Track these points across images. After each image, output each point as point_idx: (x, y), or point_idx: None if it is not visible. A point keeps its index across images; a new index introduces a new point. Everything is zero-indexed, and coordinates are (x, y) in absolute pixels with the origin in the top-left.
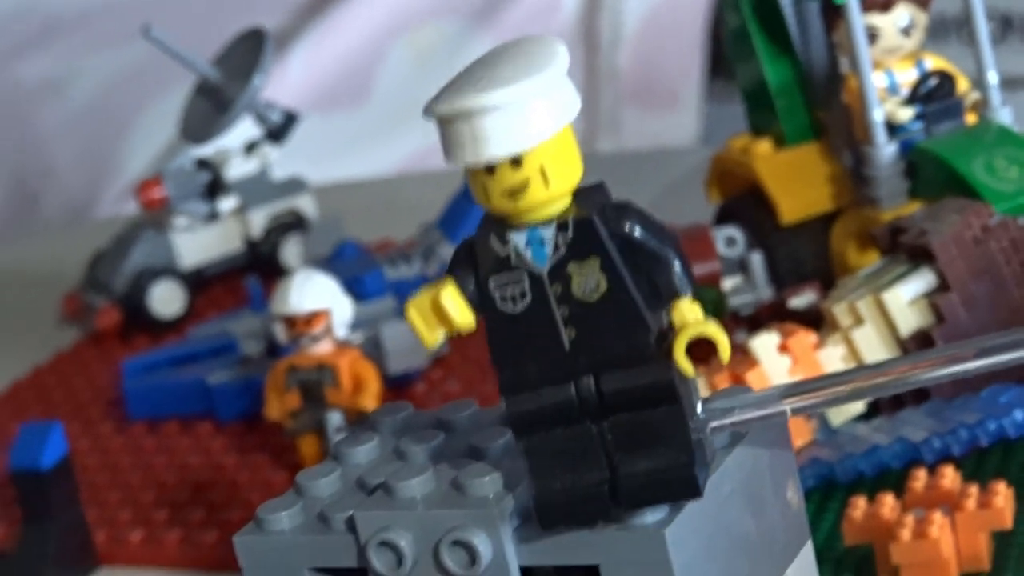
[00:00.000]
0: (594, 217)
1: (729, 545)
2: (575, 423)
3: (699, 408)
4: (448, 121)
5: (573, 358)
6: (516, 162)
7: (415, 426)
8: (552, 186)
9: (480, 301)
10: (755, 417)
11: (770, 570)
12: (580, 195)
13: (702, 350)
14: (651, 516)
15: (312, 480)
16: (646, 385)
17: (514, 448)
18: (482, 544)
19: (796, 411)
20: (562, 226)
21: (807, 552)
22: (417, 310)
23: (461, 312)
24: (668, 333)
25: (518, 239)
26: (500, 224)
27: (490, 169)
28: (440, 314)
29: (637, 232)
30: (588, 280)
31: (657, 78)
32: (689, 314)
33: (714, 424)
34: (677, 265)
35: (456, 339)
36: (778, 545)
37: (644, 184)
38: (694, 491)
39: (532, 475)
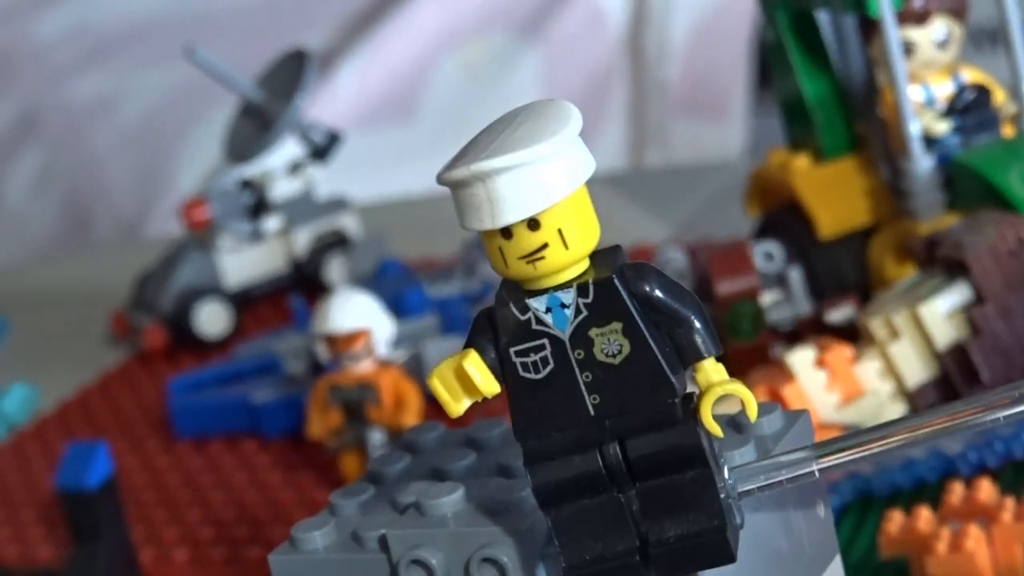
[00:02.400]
0: (615, 279)
1: (758, 560)
2: (602, 492)
3: (726, 471)
4: (463, 185)
5: (598, 423)
6: (534, 225)
7: (447, 444)
8: (571, 248)
9: (501, 370)
10: (785, 479)
11: None
12: (597, 257)
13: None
14: None
15: (346, 499)
16: (673, 449)
17: None
18: (512, 561)
19: (825, 471)
20: (582, 289)
21: (836, 566)
22: (441, 380)
23: (486, 380)
24: (693, 395)
25: (537, 304)
26: (518, 291)
27: (507, 234)
28: (464, 383)
29: (658, 292)
30: (611, 343)
31: (704, 91)
32: (714, 374)
33: (742, 489)
34: (699, 325)
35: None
36: (807, 559)
37: (689, 197)
38: (727, 557)
39: (561, 547)
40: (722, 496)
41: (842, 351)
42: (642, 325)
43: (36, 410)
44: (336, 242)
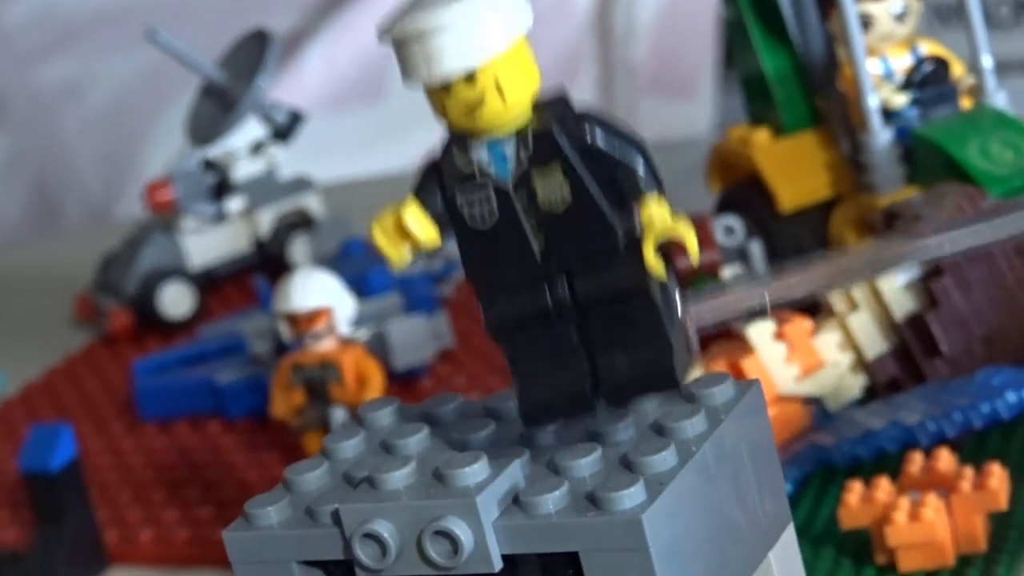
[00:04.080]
0: (553, 129)
1: (710, 529)
2: (553, 323)
3: (679, 305)
4: (402, 43)
5: (545, 264)
6: (470, 78)
7: (401, 420)
8: (508, 99)
9: (449, 218)
10: (738, 311)
11: (752, 553)
12: (541, 107)
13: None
14: (629, 501)
15: (300, 475)
16: (618, 286)
17: (497, 439)
18: (463, 533)
19: (775, 302)
20: (522, 139)
21: (789, 534)
22: (381, 230)
23: (425, 229)
24: (639, 233)
25: (481, 154)
26: (462, 141)
27: (446, 87)
28: (404, 232)
29: (598, 139)
30: (552, 190)
31: (672, 70)
32: (656, 213)
33: (697, 318)
34: (641, 166)
35: (462, 335)
36: (760, 528)
37: None
38: (672, 383)
39: (514, 375)
40: (673, 329)
41: (801, 324)
42: (582, 174)
43: (2, 394)
44: (300, 222)
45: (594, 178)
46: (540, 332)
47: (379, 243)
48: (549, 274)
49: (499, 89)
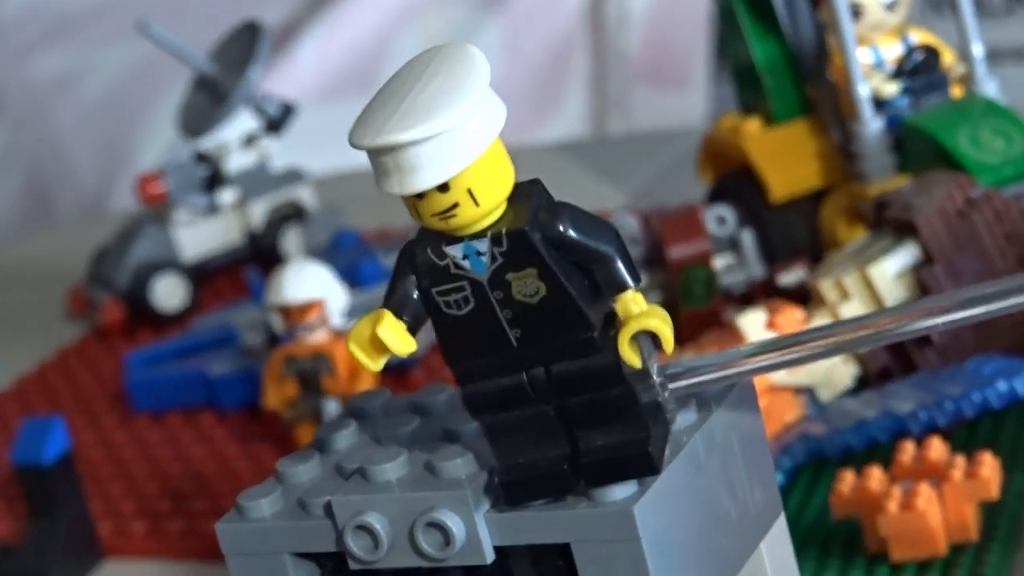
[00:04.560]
0: (527, 230)
1: (701, 519)
2: (531, 405)
3: (655, 375)
4: (372, 153)
5: (521, 353)
6: (443, 188)
7: (392, 411)
8: (482, 204)
9: (425, 306)
10: (715, 378)
11: (744, 543)
12: (515, 196)
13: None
14: (620, 492)
15: (292, 467)
16: (594, 373)
17: None
18: (455, 525)
19: (756, 372)
20: (495, 239)
21: (780, 525)
22: (357, 343)
23: (401, 343)
24: (615, 321)
25: (455, 252)
26: (435, 236)
27: (419, 195)
28: (381, 346)
29: (571, 233)
30: (527, 285)
31: (665, 59)
32: (633, 307)
33: (672, 387)
34: (617, 260)
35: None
36: (751, 518)
37: (648, 164)
38: (651, 468)
39: (495, 452)
40: (652, 399)
41: (793, 313)
42: (556, 269)
43: (2, 385)
44: (292, 214)
45: (567, 271)
46: (519, 413)
47: (357, 356)
48: (527, 362)
49: (472, 196)
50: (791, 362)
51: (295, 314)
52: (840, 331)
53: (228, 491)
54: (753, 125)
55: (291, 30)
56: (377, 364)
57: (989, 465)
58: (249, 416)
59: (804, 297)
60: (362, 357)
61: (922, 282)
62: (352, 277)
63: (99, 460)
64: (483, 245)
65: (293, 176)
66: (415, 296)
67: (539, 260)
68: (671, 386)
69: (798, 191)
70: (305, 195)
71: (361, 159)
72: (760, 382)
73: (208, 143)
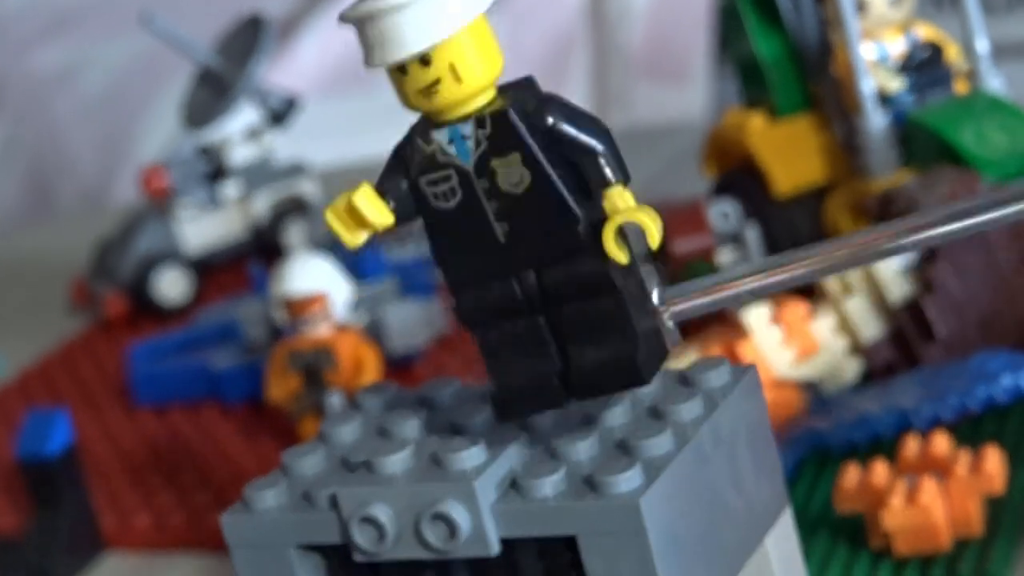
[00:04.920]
0: (510, 111)
1: (707, 512)
2: (523, 316)
3: (655, 295)
4: (359, 24)
5: (510, 251)
6: (424, 61)
7: (399, 405)
8: (465, 83)
9: (415, 201)
10: (717, 300)
11: (749, 537)
12: (505, 90)
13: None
14: (626, 485)
15: (297, 459)
16: (583, 276)
17: (495, 423)
18: (461, 517)
19: (755, 292)
20: (480, 121)
21: (786, 518)
22: (335, 215)
23: (378, 212)
24: (603, 222)
25: (440, 137)
26: (424, 124)
27: (403, 69)
28: (357, 217)
29: (560, 124)
30: (512, 174)
31: (666, 54)
32: (620, 201)
33: (674, 309)
34: (604, 153)
35: None
36: (757, 512)
37: (650, 159)
38: (639, 379)
39: (488, 369)
40: (647, 320)
41: (797, 308)
42: (540, 157)
43: (4, 377)
44: (295, 207)
45: (554, 162)
46: (511, 325)
47: (334, 228)
48: (515, 262)
49: (454, 72)
50: (785, 282)
51: (298, 308)
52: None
53: (231, 484)
54: (757, 120)
55: (294, 23)
56: (353, 235)
57: (993, 460)
58: (252, 409)
59: (808, 292)
60: (338, 227)
61: (926, 278)
62: (355, 270)
63: (102, 453)
64: (467, 129)
65: (296, 169)
66: (404, 187)
67: (522, 144)
68: (671, 309)
69: (802, 186)
70: (308, 188)
71: (363, 151)
72: (764, 376)
73: (211, 136)
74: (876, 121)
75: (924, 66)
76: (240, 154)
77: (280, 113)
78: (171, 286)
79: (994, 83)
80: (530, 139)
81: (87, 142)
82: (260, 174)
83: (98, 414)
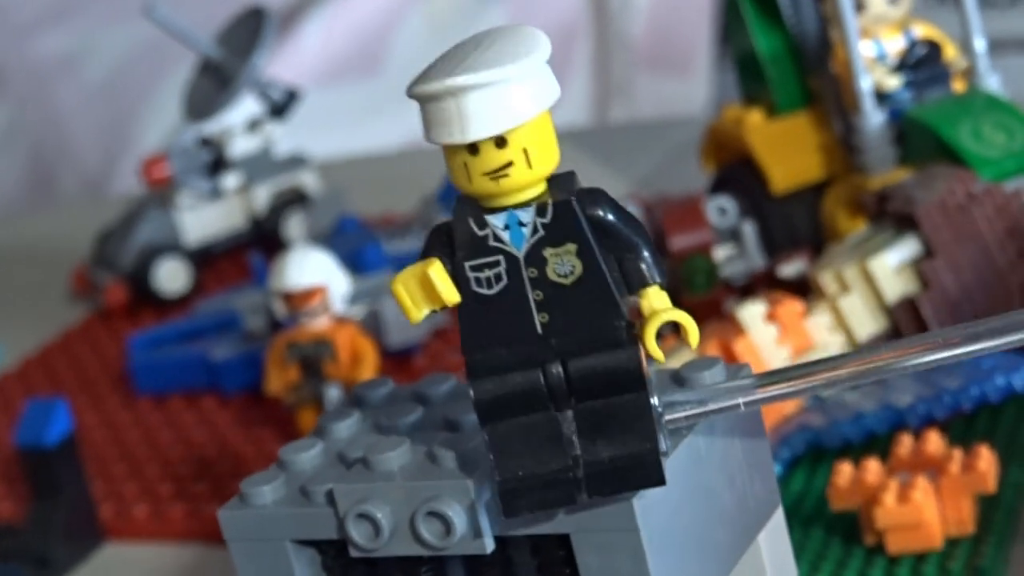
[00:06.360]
0: (573, 200)
1: (700, 512)
2: (540, 409)
3: (656, 401)
4: (434, 99)
5: (544, 342)
6: (501, 143)
7: (395, 400)
8: (535, 168)
9: (455, 284)
10: (711, 411)
11: (742, 535)
12: (553, 181)
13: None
14: None
15: (294, 455)
16: (615, 371)
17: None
18: (456, 514)
19: (752, 404)
20: (541, 208)
21: (778, 517)
22: (404, 286)
23: (447, 288)
24: (636, 321)
25: (496, 221)
26: (476, 207)
27: (474, 150)
28: (426, 291)
29: (610, 217)
30: (564, 263)
31: (668, 46)
32: (658, 301)
33: (669, 417)
34: (647, 252)
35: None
36: (750, 511)
37: (651, 152)
38: (658, 479)
39: (496, 462)
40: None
41: (793, 305)
42: (595, 248)
43: (3, 365)
44: (295, 199)
45: (604, 255)
46: (527, 418)
47: (401, 299)
48: (546, 353)
49: (527, 156)
50: (792, 394)
51: (297, 300)
52: (844, 364)
53: (229, 475)
54: (755, 116)
55: (295, 13)
56: (420, 312)
57: (986, 458)
58: (251, 400)
59: (804, 289)
60: (407, 301)
61: (922, 275)
62: (355, 263)
63: (101, 442)
64: (527, 215)
65: (297, 161)
66: (447, 268)
67: (580, 235)
68: (668, 417)
69: (799, 183)
70: (308, 180)
71: (365, 143)
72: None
73: (212, 127)
74: (874, 118)
75: (922, 64)
76: (241, 145)
77: (281, 105)
78: (171, 276)
79: (992, 81)
80: (588, 231)
81: (89, 130)
82: (261, 165)
83: (97, 403)
